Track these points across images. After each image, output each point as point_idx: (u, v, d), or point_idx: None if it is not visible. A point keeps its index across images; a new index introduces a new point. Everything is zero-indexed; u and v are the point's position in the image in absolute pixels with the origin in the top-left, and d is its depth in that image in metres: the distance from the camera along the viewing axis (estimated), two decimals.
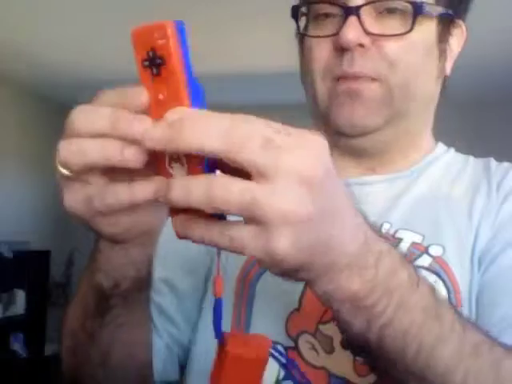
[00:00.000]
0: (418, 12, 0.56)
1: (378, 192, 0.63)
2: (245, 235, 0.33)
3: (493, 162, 0.65)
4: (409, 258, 0.44)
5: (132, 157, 0.35)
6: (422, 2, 0.56)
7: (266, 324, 0.58)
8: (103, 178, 0.37)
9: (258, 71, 3.64)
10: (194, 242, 0.35)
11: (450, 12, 0.60)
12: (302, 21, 0.63)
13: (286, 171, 0.32)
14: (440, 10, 0.59)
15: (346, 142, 0.63)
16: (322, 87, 0.60)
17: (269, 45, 3.08)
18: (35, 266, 3.98)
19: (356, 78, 0.58)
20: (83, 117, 0.37)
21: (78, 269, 4.42)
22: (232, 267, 0.62)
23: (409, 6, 0.56)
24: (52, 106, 4.62)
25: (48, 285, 4.21)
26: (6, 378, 3.53)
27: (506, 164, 0.65)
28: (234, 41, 3.11)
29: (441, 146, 0.69)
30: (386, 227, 0.59)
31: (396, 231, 0.59)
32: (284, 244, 0.32)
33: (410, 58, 0.58)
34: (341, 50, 0.57)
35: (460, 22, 0.63)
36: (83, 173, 0.36)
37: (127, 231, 0.40)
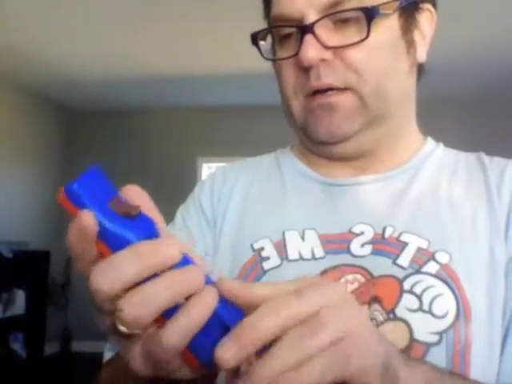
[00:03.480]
0: (370, 18, 0.55)
1: (374, 192, 0.62)
2: (341, 349, 0.35)
3: (484, 157, 0.64)
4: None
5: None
6: (374, 6, 0.55)
7: None
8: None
9: (258, 71, 3.64)
10: None
11: (411, 0, 0.59)
12: (269, 45, 0.63)
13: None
14: (397, 4, 0.57)
15: (328, 149, 0.63)
16: (295, 104, 0.61)
17: None
18: (35, 266, 3.99)
19: (326, 90, 0.58)
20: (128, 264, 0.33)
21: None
22: (227, 270, 0.62)
23: (360, 14, 0.55)
24: (51, 105, 4.62)
25: (48, 285, 4.22)
26: (6, 378, 3.53)
27: (497, 159, 0.64)
28: (234, 41, 3.11)
29: (430, 142, 0.68)
30: (389, 231, 0.58)
31: (400, 234, 0.58)
32: (373, 336, 0.37)
33: (374, 62, 0.57)
34: (305, 68, 0.57)
35: (427, 5, 0.62)
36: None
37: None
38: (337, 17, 0.56)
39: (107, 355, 0.66)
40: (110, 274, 0.31)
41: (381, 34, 0.56)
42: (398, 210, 0.60)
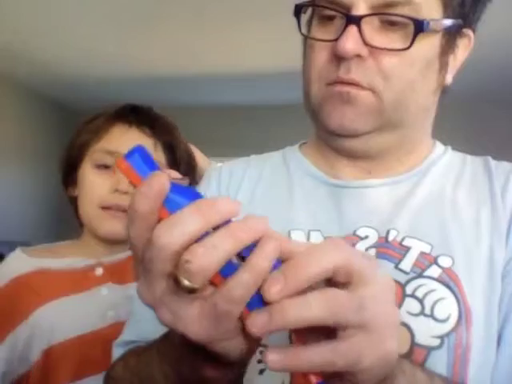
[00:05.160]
0: (418, 30, 0.54)
1: (380, 196, 0.62)
2: (360, 344, 0.35)
3: (491, 162, 0.65)
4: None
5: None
6: (424, 20, 0.54)
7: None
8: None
9: (258, 71, 3.64)
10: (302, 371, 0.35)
11: (459, 22, 0.58)
12: (307, 17, 0.62)
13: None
14: (446, 23, 0.57)
15: (337, 141, 0.63)
16: (315, 88, 0.60)
17: (268, 45, 3.07)
18: None
19: (350, 83, 0.57)
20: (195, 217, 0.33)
21: None
22: None
23: (410, 23, 0.55)
24: (51, 104, 4.62)
25: None
26: None
27: (503, 164, 0.64)
28: (234, 41, 3.11)
29: (439, 146, 0.68)
30: (392, 235, 0.59)
31: (403, 239, 0.58)
32: (394, 343, 0.36)
33: (406, 74, 0.57)
34: (338, 57, 0.56)
35: (468, 31, 0.61)
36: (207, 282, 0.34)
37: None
38: (386, 18, 0.55)
39: (117, 351, 0.67)
40: (175, 229, 0.32)
41: (421, 48, 0.56)
42: (402, 214, 0.60)
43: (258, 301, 0.34)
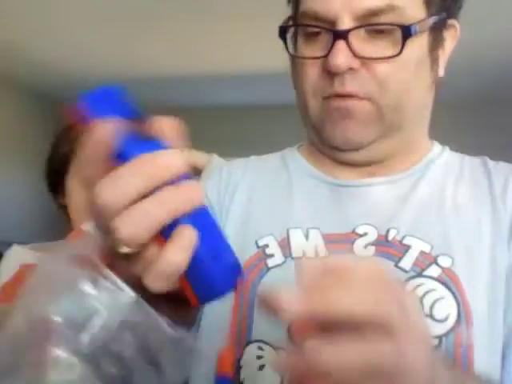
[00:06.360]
0: (407, 35, 0.55)
1: (379, 194, 0.63)
2: (384, 351, 0.33)
3: (489, 162, 0.65)
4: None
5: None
6: (411, 25, 0.55)
7: (268, 329, 0.57)
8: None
9: (258, 71, 3.64)
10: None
11: (443, 16, 0.59)
12: (290, 34, 0.62)
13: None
14: (431, 21, 0.58)
15: (340, 155, 0.63)
16: (313, 104, 0.61)
17: (268, 45, 3.06)
18: None
19: (347, 96, 0.57)
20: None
21: None
22: None
23: (398, 30, 0.55)
24: (51, 104, 4.62)
25: None
26: None
27: (502, 165, 0.64)
28: (234, 41, 3.11)
29: (437, 145, 0.68)
30: (392, 233, 0.59)
31: (403, 237, 0.59)
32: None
33: (400, 77, 0.57)
34: (331, 72, 0.57)
35: (453, 21, 0.62)
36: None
37: None
38: (372, 27, 0.56)
39: None
40: (114, 188, 0.31)
41: (411, 50, 0.56)
42: (403, 213, 0.61)
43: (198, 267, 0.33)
